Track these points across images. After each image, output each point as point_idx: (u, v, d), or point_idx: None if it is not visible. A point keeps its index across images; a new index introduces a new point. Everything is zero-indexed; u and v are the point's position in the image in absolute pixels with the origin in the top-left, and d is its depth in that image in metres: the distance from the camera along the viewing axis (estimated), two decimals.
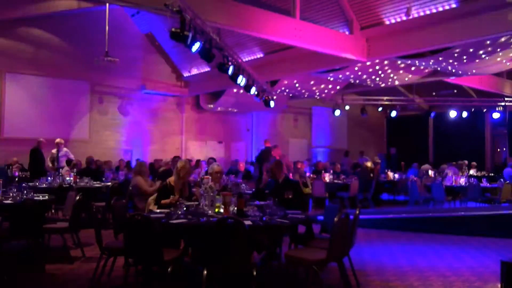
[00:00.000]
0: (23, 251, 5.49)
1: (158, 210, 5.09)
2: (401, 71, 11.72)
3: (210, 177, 5.57)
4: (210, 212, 4.63)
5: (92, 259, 5.84)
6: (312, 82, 13.30)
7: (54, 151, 10.46)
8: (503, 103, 16.07)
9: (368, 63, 10.33)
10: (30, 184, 8.09)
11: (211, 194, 4.78)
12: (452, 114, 16.77)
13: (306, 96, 15.22)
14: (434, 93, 17.01)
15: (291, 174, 10.44)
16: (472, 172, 13.67)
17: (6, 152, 10.55)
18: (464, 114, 16.70)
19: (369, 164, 11.60)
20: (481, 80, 13.59)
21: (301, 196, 5.76)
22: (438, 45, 8.73)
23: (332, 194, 11.07)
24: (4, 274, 5.04)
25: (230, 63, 8.06)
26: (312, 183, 10.52)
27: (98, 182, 9.18)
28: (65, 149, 10.72)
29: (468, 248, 6.87)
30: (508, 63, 10.71)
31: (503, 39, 8.77)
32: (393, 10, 9.12)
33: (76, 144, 12.85)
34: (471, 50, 9.31)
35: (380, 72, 11.68)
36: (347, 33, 9.76)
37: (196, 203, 5.19)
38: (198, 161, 12.49)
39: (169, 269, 4.02)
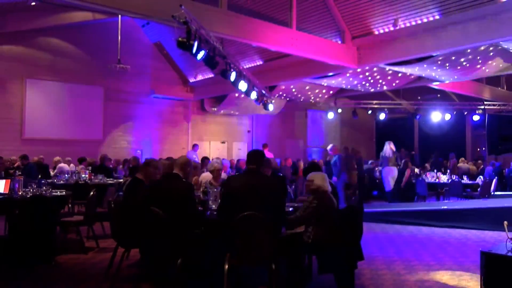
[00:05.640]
0: (39, 242, 5.48)
1: None
2: (389, 77, 11.71)
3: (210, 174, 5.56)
4: (214, 206, 4.62)
5: (105, 250, 5.85)
6: (307, 87, 13.29)
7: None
8: (482, 107, 16.07)
9: (359, 70, 10.32)
10: (49, 180, 8.09)
11: (215, 190, 4.78)
12: (436, 116, 16.76)
13: (302, 100, 15.20)
14: (419, 97, 16.96)
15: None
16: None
17: (27, 152, 10.54)
18: (447, 116, 16.69)
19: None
20: (462, 86, 13.57)
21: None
22: (423, 53, 8.72)
23: None
24: (22, 264, 5.04)
25: (232, 70, 8.05)
26: None
27: (111, 179, 9.16)
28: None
29: (451, 240, 6.87)
30: (487, 70, 10.70)
31: (482, 48, 8.78)
32: (381, 21, 9.12)
33: (91, 144, 12.89)
34: (453, 58, 9.30)
35: (370, 78, 11.66)
36: (339, 42, 9.75)
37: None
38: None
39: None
